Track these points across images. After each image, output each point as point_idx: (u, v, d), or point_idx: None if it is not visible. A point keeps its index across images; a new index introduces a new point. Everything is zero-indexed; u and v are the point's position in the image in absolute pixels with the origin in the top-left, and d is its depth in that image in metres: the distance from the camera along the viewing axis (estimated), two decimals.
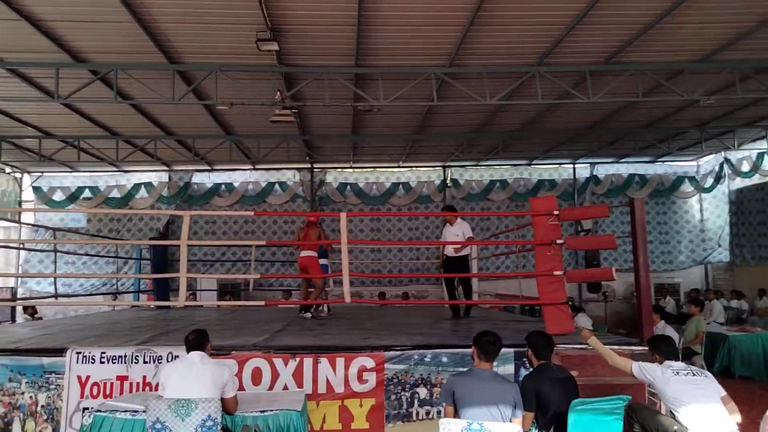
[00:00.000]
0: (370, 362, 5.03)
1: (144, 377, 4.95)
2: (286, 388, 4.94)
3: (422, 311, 9.76)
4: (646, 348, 5.10)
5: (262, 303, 7.98)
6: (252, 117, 12.08)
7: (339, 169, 17.30)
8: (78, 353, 4.96)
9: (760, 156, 14.71)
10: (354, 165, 17.18)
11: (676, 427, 3.97)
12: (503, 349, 4.31)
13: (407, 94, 9.93)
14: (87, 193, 16.51)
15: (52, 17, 7.96)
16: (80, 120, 12.21)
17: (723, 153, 15.96)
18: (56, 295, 10.88)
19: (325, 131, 13.94)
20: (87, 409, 4.46)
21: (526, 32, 8.72)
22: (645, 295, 5.52)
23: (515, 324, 7.24)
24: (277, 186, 17.03)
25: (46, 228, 14.27)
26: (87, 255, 14.96)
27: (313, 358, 5.03)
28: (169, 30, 8.41)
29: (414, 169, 17.42)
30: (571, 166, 17.49)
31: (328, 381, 4.98)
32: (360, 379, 4.99)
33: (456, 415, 3.78)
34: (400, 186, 17.21)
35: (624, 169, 17.55)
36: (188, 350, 4.15)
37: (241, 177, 17.07)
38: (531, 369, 4.38)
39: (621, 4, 7.87)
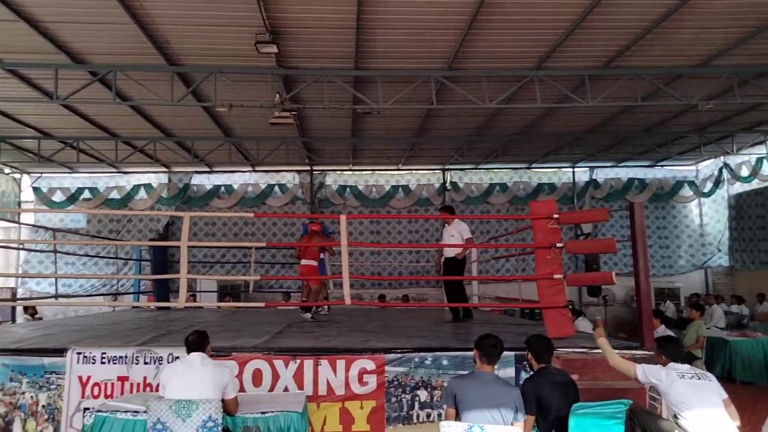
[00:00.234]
0: (370, 364, 5.03)
1: (144, 378, 4.95)
2: (286, 389, 4.94)
3: (422, 314, 9.77)
4: (647, 352, 5.13)
5: (262, 305, 8.01)
6: (251, 119, 12.10)
7: (338, 172, 17.31)
8: (79, 353, 4.97)
9: (759, 161, 14.74)
10: (353, 167, 17.20)
11: (676, 431, 3.98)
12: (504, 353, 4.32)
13: (406, 97, 9.95)
14: (86, 194, 16.50)
15: (51, 18, 7.97)
16: (79, 121, 12.21)
17: (722, 158, 16.00)
18: (56, 296, 10.88)
19: (324, 134, 13.97)
20: (88, 409, 4.46)
21: (524, 36, 8.75)
22: (645, 300, 5.52)
23: (515, 327, 7.25)
24: (276, 188, 17.04)
25: (46, 228, 14.26)
26: (87, 256, 14.95)
27: (313, 360, 5.03)
28: (168, 32, 8.43)
29: (413, 171, 17.44)
30: (571, 170, 17.53)
31: (328, 383, 4.98)
32: (360, 381, 4.99)
33: (457, 417, 3.78)
34: (400, 189, 17.23)
35: (623, 173, 17.59)
36: (189, 351, 4.16)
37: (241, 179, 17.08)
38: (531, 372, 4.38)
39: (619, 8, 7.90)
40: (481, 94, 9.84)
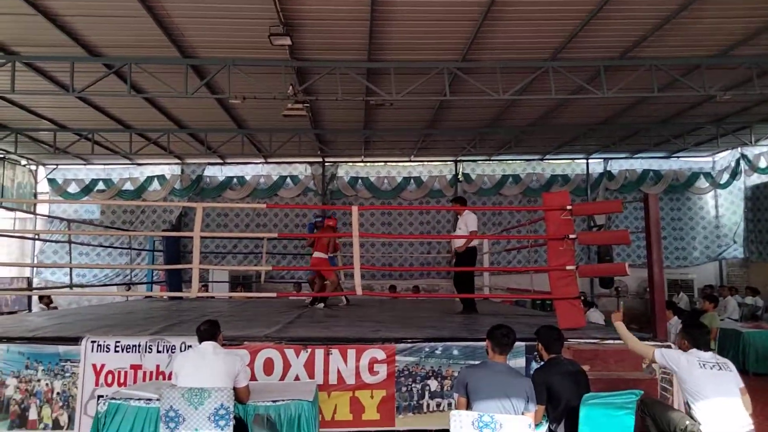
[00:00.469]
0: (381, 354, 5.04)
1: (157, 366, 5.00)
2: (297, 378, 4.96)
3: (433, 305, 9.77)
4: (660, 343, 5.09)
5: (274, 295, 8.04)
6: (264, 111, 12.12)
7: (350, 163, 17.31)
8: (93, 342, 5.03)
9: None
10: (365, 159, 17.19)
11: (687, 422, 3.95)
12: (514, 343, 4.31)
13: (420, 89, 9.92)
14: (101, 185, 16.70)
15: (67, 11, 8.04)
16: (94, 113, 12.33)
17: (739, 149, 15.78)
18: (71, 285, 11.01)
19: (337, 125, 13.97)
20: (102, 396, 4.53)
21: (540, 26, 8.66)
22: (658, 291, 5.48)
23: (526, 318, 7.23)
24: (288, 179, 17.12)
25: (61, 219, 14.44)
26: (101, 246, 15.12)
27: (324, 349, 5.05)
28: (182, 24, 8.46)
29: (426, 163, 17.40)
30: (585, 161, 17.39)
31: (339, 372, 5.00)
32: (371, 370, 5.00)
33: (468, 407, 3.79)
34: (412, 180, 17.21)
35: (638, 164, 17.42)
36: (200, 340, 4.19)
37: (253, 170, 17.17)
38: (541, 363, 4.37)
39: None
40: (495, 85, 9.78)
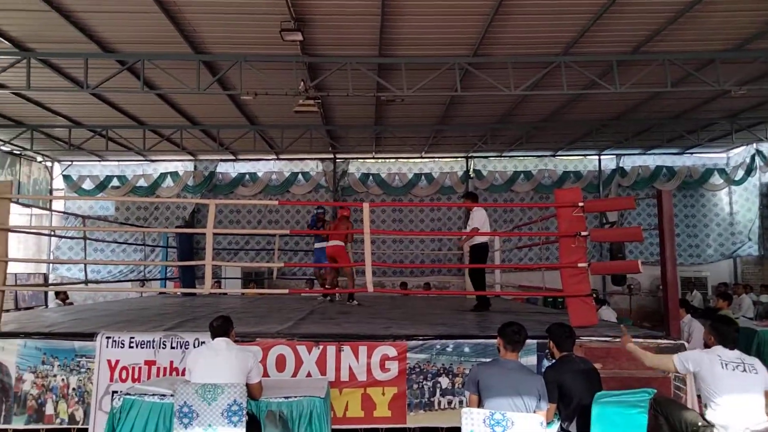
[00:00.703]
0: (392, 351, 5.05)
1: (171, 362, 5.05)
2: (309, 375, 4.99)
3: (444, 302, 9.77)
4: (672, 341, 5.06)
5: (286, 291, 8.05)
6: (276, 107, 12.16)
7: (361, 160, 17.33)
8: (108, 338, 5.08)
9: None
10: (376, 155, 17.19)
11: (700, 423, 3.92)
12: (526, 341, 4.30)
13: (430, 84, 9.89)
14: (115, 182, 16.87)
15: (81, 8, 8.11)
16: (108, 110, 12.43)
17: (755, 144, 15.60)
18: (86, 281, 11.13)
19: (348, 121, 13.98)
20: (116, 392, 4.57)
21: (551, 21, 8.61)
22: (671, 289, 5.44)
23: (538, 315, 7.21)
24: (300, 176, 17.17)
25: (76, 216, 14.56)
26: (115, 242, 15.28)
27: (336, 346, 5.07)
28: (194, 20, 8.50)
29: (437, 159, 17.37)
30: (597, 157, 17.26)
31: (350, 369, 5.02)
32: (382, 367, 5.02)
33: (480, 404, 3.79)
34: (423, 177, 17.18)
35: (651, 160, 17.26)
36: (213, 336, 4.22)
37: (265, 167, 17.23)
38: (553, 361, 4.36)
39: None
40: (506, 80, 9.73)
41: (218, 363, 3.98)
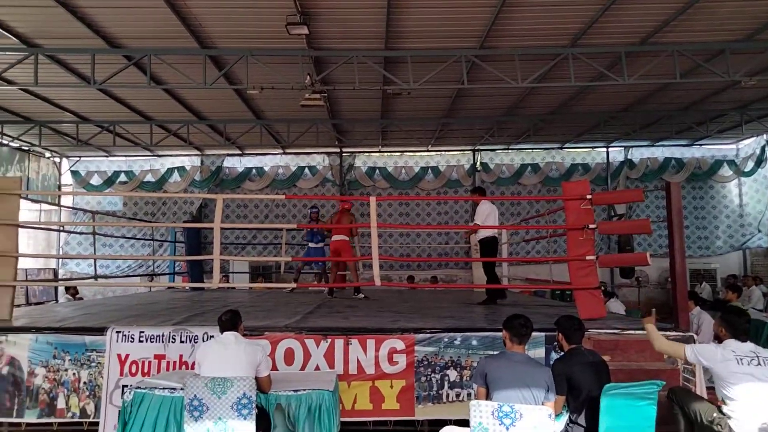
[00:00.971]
0: (400, 344, 5.07)
1: (180, 356, 5.08)
2: (317, 368, 5.01)
3: (451, 295, 9.77)
4: (681, 333, 5.04)
5: (294, 285, 8.08)
6: (282, 101, 12.16)
7: (368, 154, 17.31)
8: (118, 332, 5.11)
9: None
10: (383, 149, 17.17)
11: (715, 414, 3.90)
12: (533, 333, 4.30)
13: (437, 77, 9.86)
14: (123, 177, 16.94)
15: (87, 3, 8.13)
16: (115, 105, 12.48)
17: (765, 136, 15.44)
18: (96, 276, 11.21)
19: (354, 115, 13.96)
20: (126, 386, 4.61)
21: (559, 12, 8.55)
22: (680, 281, 5.42)
23: (546, 308, 7.20)
24: (307, 170, 17.19)
25: (85, 211, 14.66)
26: (124, 237, 15.36)
27: (344, 339, 5.09)
28: (200, 14, 8.51)
29: (443, 152, 17.32)
30: (605, 149, 17.17)
31: (359, 362, 5.03)
32: (390, 360, 5.03)
33: (488, 397, 3.79)
34: (429, 170, 17.15)
35: (660, 152, 17.14)
36: (222, 330, 4.24)
37: (272, 161, 17.26)
38: (561, 353, 4.35)
39: None
40: (513, 73, 9.68)
41: (227, 357, 4.00)
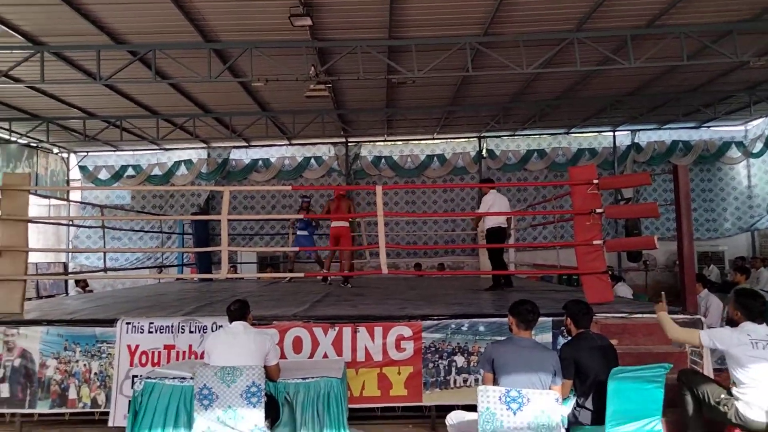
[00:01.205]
0: (407, 331, 5.10)
1: (190, 346, 5.14)
2: (326, 356, 5.06)
3: (458, 282, 9.79)
4: (689, 316, 5.03)
5: (302, 275, 8.12)
6: (287, 93, 12.15)
7: (373, 143, 17.29)
8: (128, 323, 5.18)
9: None
10: (388, 138, 17.14)
11: (723, 395, 3.90)
12: (541, 318, 4.30)
13: (441, 65, 9.82)
14: (130, 171, 17.05)
15: (91, 0, 8.12)
16: (122, 100, 12.52)
17: None
18: (105, 269, 11.31)
19: (359, 105, 13.94)
20: (136, 376, 4.67)
21: None
22: (688, 264, 5.40)
23: (553, 293, 7.21)
24: (312, 161, 17.21)
25: (93, 205, 14.75)
26: (132, 231, 15.46)
27: (351, 327, 5.12)
28: (203, 8, 8.50)
29: (449, 140, 17.27)
30: (612, 133, 17.05)
31: (366, 349, 5.07)
32: (398, 347, 5.07)
33: (495, 382, 3.81)
34: (435, 158, 17.12)
35: (667, 135, 17.00)
36: (231, 320, 4.28)
37: (278, 153, 17.29)
38: (569, 338, 4.36)
39: None
40: (518, 59, 9.62)
41: (236, 346, 4.04)
